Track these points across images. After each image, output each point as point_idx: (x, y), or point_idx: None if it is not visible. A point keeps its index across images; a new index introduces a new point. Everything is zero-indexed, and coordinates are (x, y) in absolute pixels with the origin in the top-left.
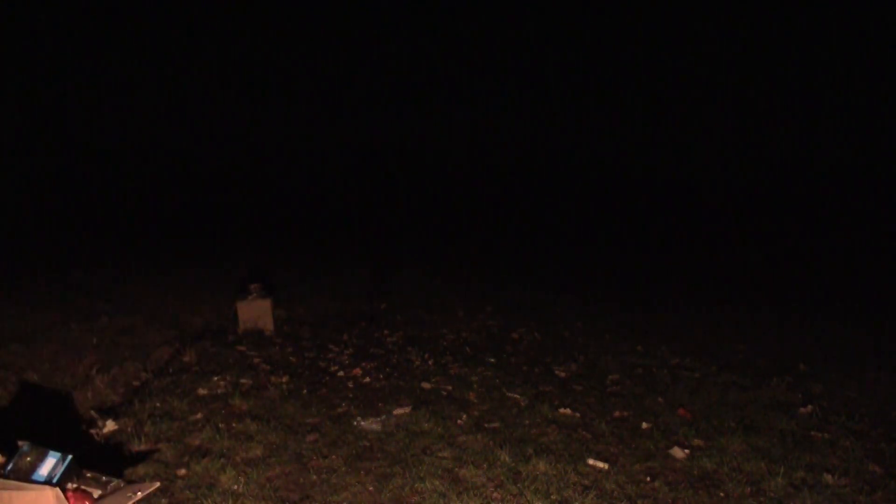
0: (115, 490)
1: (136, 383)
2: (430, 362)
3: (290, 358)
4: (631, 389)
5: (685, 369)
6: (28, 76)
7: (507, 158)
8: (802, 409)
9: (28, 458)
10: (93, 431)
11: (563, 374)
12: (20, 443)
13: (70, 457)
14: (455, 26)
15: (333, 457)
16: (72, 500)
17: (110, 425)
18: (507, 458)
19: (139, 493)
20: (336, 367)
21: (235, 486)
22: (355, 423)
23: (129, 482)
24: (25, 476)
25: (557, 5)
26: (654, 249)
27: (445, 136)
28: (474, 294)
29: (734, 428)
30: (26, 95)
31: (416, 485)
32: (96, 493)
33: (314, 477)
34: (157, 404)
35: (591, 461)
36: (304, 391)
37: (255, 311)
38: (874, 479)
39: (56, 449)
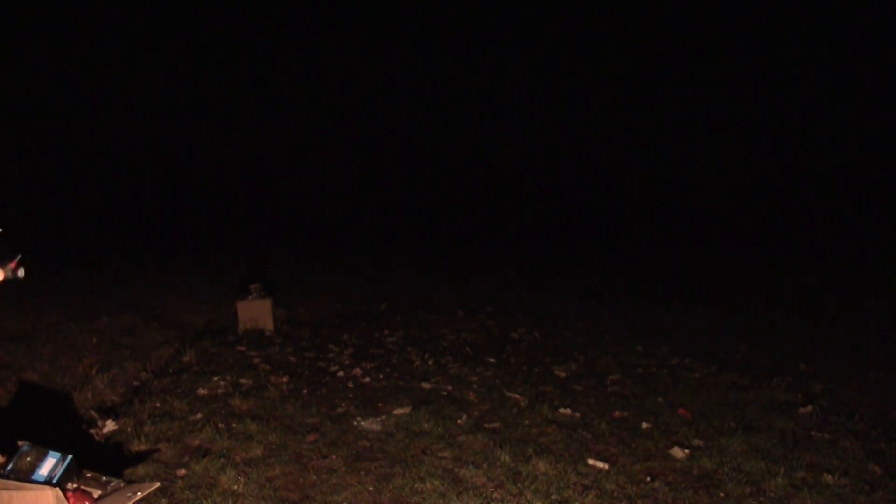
0: (115, 490)
1: (136, 383)
2: (430, 362)
3: (290, 358)
4: (631, 389)
5: (685, 369)
6: (28, 75)
7: (506, 158)
8: (802, 409)
9: (28, 458)
10: (93, 431)
11: (563, 374)
12: (20, 443)
13: (70, 457)
14: (450, 25)
15: (333, 457)
16: (72, 500)
17: (110, 425)
18: (507, 458)
19: (139, 493)
20: (336, 367)
21: (235, 486)
22: (355, 423)
23: (129, 482)
24: (25, 476)
25: (557, 5)
26: (653, 249)
27: (445, 135)
28: (474, 294)
29: (734, 428)
30: (26, 95)
31: (416, 485)
32: (96, 493)
33: (314, 477)
34: (157, 404)
35: (591, 461)
36: (304, 391)
37: (255, 311)
38: (874, 479)
39: (56, 449)
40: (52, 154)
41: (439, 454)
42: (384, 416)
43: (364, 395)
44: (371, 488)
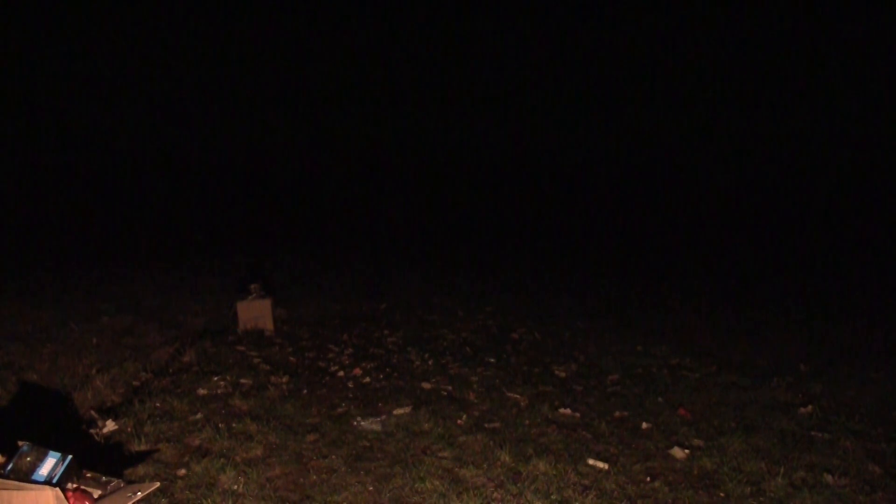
0: (115, 490)
1: (136, 383)
2: (430, 362)
3: (290, 358)
4: (631, 389)
5: (685, 369)
6: (28, 74)
7: (506, 158)
8: (802, 409)
9: (28, 458)
10: (93, 431)
11: (563, 374)
12: (20, 443)
13: (70, 457)
14: (448, 24)
15: (333, 457)
16: (72, 500)
17: (110, 425)
18: (507, 458)
19: (139, 493)
20: (336, 367)
21: (235, 486)
22: (355, 423)
23: (129, 482)
24: (25, 476)
25: (558, 4)
26: (653, 249)
27: (446, 135)
28: (474, 294)
29: (734, 428)
30: (26, 93)
31: (416, 485)
32: (96, 493)
33: (314, 477)
34: (157, 404)
35: (591, 461)
36: (304, 391)
37: (255, 311)
38: (874, 479)
39: (56, 449)
40: (52, 152)
41: (439, 454)
42: (384, 416)
43: (364, 395)
44: (371, 488)
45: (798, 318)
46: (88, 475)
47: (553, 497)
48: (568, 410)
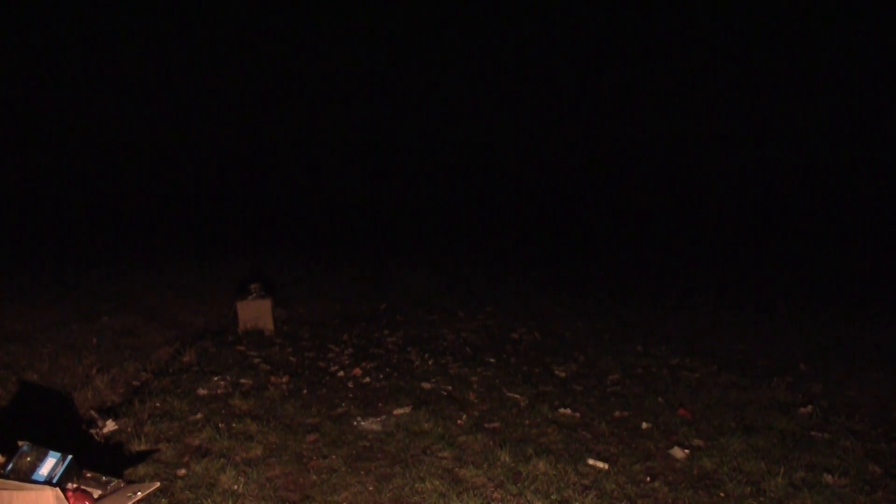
0: (115, 490)
1: (136, 383)
2: (430, 362)
3: (290, 358)
4: (631, 389)
5: (685, 369)
6: (27, 73)
7: (507, 157)
8: (802, 409)
9: (28, 458)
10: (93, 431)
11: (563, 374)
12: (20, 443)
13: (70, 457)
14: (447, 22)
15: (333, 457)
16: (72, 500)
17: (110, 425)
18: (507, 458)
19: (139, 493)
20: (336, 367)
21: (235, 486)
22: (355, 423)
23: (129, 482)
24: (25, 476)
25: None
26: (654, 249)
27: (445, 134)
28: (474, 294)
29: (734, 428)
30: (25, 93)
31: (416, 485)
32: (96, 493)
33: (314, 477)
34: (157, 404)
35: (591, 461)
36: (304, 391)
37: (255, 311)
38: (874, 479)
39: (56, 449)
40: (51, 152)
41: (439, 454)
42: (384, 416)
43: (364, 395)
44: (371, 488)
45: (799, 318)
46: (88, 475)
47: (553, 497)
48: (568, 410)
